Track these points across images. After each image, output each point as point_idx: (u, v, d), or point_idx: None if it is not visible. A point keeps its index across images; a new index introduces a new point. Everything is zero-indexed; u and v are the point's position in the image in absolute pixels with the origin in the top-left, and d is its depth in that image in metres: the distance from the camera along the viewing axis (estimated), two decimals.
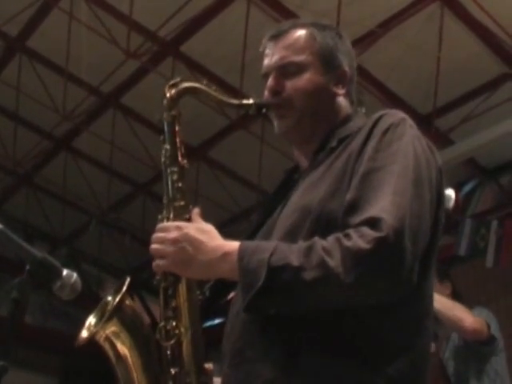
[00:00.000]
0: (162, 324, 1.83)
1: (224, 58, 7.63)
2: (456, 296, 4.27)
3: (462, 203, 8.65)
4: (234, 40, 7.17)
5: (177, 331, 1.82)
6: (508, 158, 8.43)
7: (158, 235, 1.82)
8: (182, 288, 1.85)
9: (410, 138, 1.79)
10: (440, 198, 1.82)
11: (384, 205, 1.64)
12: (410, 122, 1.86)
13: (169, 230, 1.81)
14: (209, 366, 1.86)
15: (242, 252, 1.70)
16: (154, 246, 1.80)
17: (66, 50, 7.81)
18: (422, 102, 7.81)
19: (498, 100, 7.43)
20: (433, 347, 3.69)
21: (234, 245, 1.75)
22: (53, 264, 1.76)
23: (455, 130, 7.87)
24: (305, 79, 1.99)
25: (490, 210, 8.81)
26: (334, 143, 1.94)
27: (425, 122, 7.87)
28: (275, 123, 2.03)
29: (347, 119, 2.02)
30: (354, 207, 1.69)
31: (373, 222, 1.61)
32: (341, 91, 2.04)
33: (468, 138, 7.55)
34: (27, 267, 1.74)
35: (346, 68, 2.06)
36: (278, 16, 7.06)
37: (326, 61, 2.02)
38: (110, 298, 1.98)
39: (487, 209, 8.84)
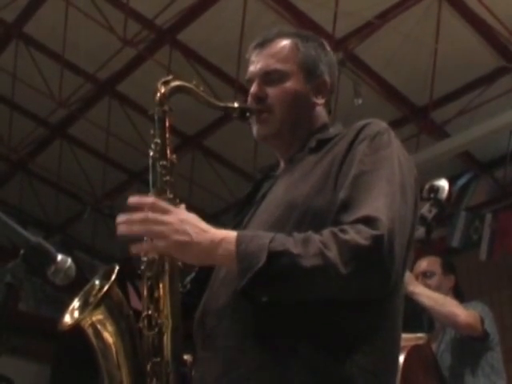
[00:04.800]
0: (145, 313, 1.85)
1: (221, 47, 7.61)
2: (457, 290, 4.27)
3: (457, 196, 8.67)
4: (232, 29, 7.16)
5: (159, 321, 1.84)
6: (503, 151, 8.44)
7: (152, 217, 1.75)
8: (166, 279, 1.87)
9: (395, 147, 1.89)
10: (416, 205, 1.90)
11: (378, 206, 1.72)
12: (393, 132, 1.94)
13: (167, 212, 1.76)
14: (188, 357, 1.89)
15: (240, 238, 1.72)
16: (152, 228, 1.73)
17: (62, 37, 7.78)
18: (418, 94, 7.81)
19: (494, 93, 7.43)
20: (424, 338, 3.70)
21: (231, 232, 1.76)
22: (47, 249, 1.76)
23: (451, 123, 7.87)
24: (287, 87, 2.07)
25: (484, 203, 8.82)
26: (313, 144, 2.02)
27: (421, 114, 7.89)
28: (255, 128, 2.10)
29: (325, 127, 2.11)
30: (347, 206, 1.75)
31: (368, 221, 1.68)
32: (320, 101, 2.13)
33: (463, 131, 7.56)
34: (21, 252, 1.74)
35: (327, 78, 2.15)
36: (275, 6, 7.05)
37: (308, 71, 2.11)
38: (97, 282, 1.97)
39: (482, 202, 8.85)
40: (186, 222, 1.75)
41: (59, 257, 1.77)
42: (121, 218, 1.77)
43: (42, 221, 11.36)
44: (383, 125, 1.95)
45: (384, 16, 6.87)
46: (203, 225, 1.77)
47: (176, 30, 7.70)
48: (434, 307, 3.89)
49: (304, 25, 6.78)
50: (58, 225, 11.46)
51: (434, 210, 3.89)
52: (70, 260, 1.79)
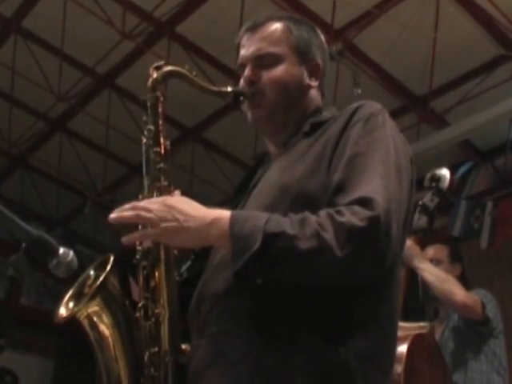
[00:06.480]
0: (141, 303, 1.85)
1: (220, 39, 7.59)
2: (464, 279, 4.28)
3: (458, 185, 8.66)
4: (230, 21, 7.12)
5: (156, 311, 1.83)
6: (503, 139, 8.43)
7: (141, 204, 1.78)
8: (161, 268, 1.86)
9: (389, 128, 1.88)
10: (412, 186, 1.89)
11: (373, 186, 1.70)
12: (387, 113, 1.93)
13: (153, 201, 1.79)
14: (186, 346, 1.87)
15: (234, 218, 1.70)
16: (141, 214, 1.75)
17: (61, 31, 7.78)
18: (417, 84, 7.80)
19: (493, 82, 7.42)
20: (427, 327, 3.71)
21: (224, 212, 1.75)
22: (49, 242, 1.76)
23: (451, 112, 7.86)
24: (280, 70, 2.05)
25: (484, 192, 8.82)
26: (306, 128, 2.01)
27: (420, 104, 7.88)
28: (249, 112, 2.08)
29: (318, 110, 2.10)
30: (342, 188, 1.74)
31: (364, 202, 1.67)
32: (314, 83, 2.11)
33: (463, 120, 7.54)
34: (23, 245, 1.74)
35: (320, 61, 2.13)
36: None
37: (301, 53, 2.09)
38: (91, 273, 1.96)
39: (482, 190, 8.85)
40: (174, 207, 1.74)
41: (61, 250, 1.77)
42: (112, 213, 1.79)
43: (43, 215, 11.37)
44: (377, 106, 1.93)
45: (383, 5, 6.85)
46: (193, 208, 1.76)
47: (175, 22, 7.69)
48: (434, 283, 3.91)
49: (303, 15, 6.71)
50: (59, 219, 11.47)
51: (436, 199, 3.88)
52: (71, 253, 1.79)
